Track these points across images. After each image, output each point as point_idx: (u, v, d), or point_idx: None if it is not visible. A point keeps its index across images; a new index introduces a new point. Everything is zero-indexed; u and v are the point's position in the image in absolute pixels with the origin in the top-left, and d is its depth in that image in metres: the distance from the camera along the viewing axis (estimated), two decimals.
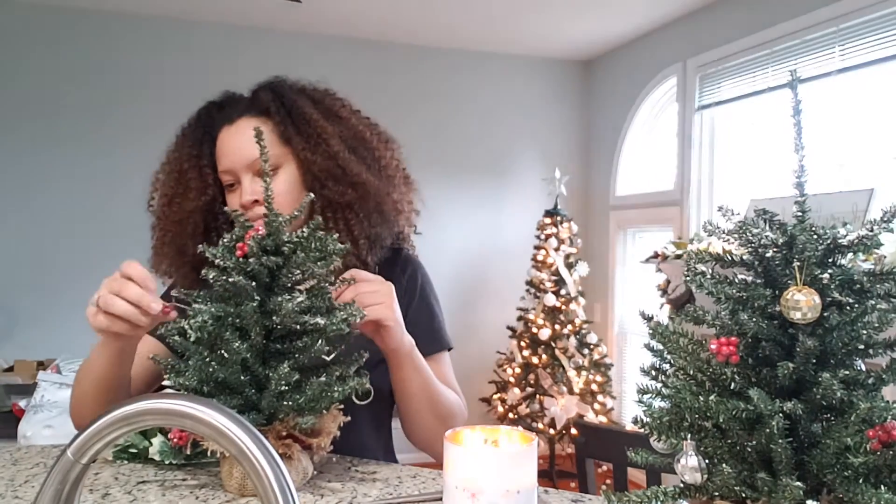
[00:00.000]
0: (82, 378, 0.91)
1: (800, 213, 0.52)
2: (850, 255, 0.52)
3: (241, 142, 0.99)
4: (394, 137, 1.15)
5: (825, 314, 0.50)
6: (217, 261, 0.76)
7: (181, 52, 3.58)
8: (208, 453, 0.79)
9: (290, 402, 0.74)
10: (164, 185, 1.06)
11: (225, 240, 0.78)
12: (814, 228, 0.52)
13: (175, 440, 0.75)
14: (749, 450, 0.51)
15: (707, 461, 0.52)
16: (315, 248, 0.77)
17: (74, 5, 3.37)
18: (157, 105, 3.54)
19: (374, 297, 0.84)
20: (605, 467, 2.87)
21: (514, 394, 3.44)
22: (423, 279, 1.11)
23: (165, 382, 0.76)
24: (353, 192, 0.99)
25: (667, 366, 0.57)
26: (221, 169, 1.01)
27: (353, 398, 0.79)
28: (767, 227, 0.53)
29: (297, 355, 0.76)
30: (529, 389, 3.42)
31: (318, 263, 0.78)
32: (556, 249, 3.47)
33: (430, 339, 1.04)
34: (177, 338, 0.76)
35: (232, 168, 1.00)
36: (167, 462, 0.84)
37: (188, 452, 0.79)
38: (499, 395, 3.58)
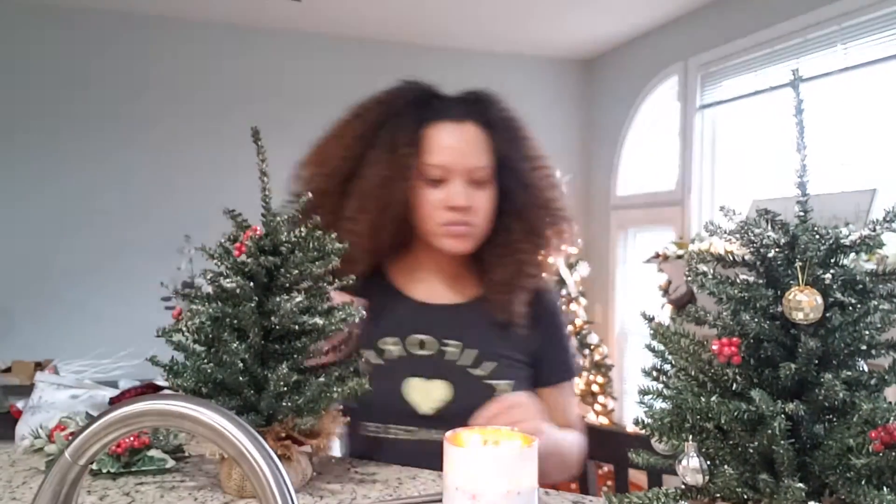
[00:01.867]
0: None
1: (802, 213, 0.52)
2: (852, 256, 0.52)
3: (466, 145, 0.99)
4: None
5: (827, 314, 0.50)
6: (215, 261, 0.76)
7: (180, 52, 3.57)
8: (145, 461, 0.81)
9: (289, 403, 0.74)
10: (376, 162, 1.00)
11: (222, 239, 0.77)
12: (816, 228, 0.51)
13: (113, 447, 0.74)
14: (751, 451, 0.51)
15: (709, 462, 0.51)
16: (312, 247, 0.77)
17: (73, 5, 3.37)
18: (157, 105, 3.54)
19: (524, 414, 0.86)
20: (605, 468, 2.87)
21: None
22: (557, 308, 1.12)
23: (162, 383, 0.76)
24: (549, 220, 1.04)
25: (668, 366, 0.57)
26: (432, 161, 0.98)
27: None
28: (769, 227, 0.52)
29: (295, 356, 0.76)
30: None
31: (316, 263, 0.77)
32: None
33: (562, 368, 1.07)
34: (175, 339, 0.76)
35: (448, 166, 0.98)
36: (104, 471, 0.81)
37: (126, 460, 0.79)
38: None
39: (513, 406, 0.87)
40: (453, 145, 0.99)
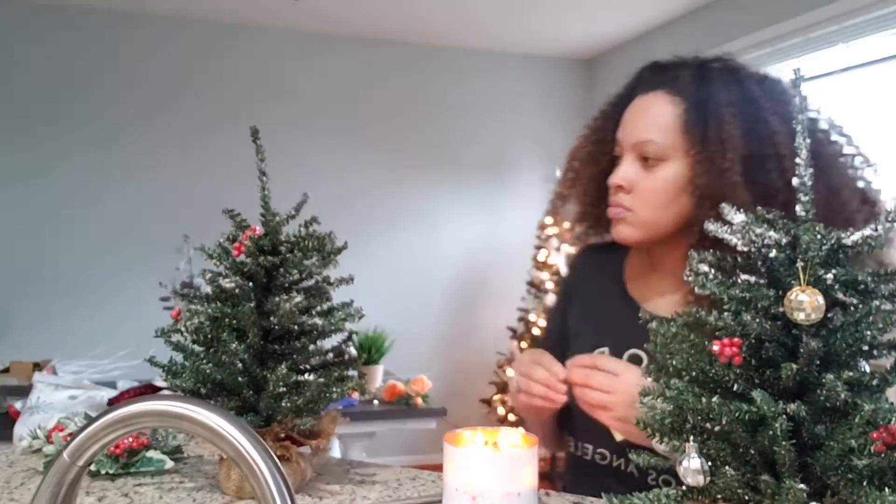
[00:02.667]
0: None
1: (803, 213, 0.52)
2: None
3: (641, 116, 0.86)
4: (853, 161, 0.89)
5: (829, 315, 0.49)
6: (214, 261, 0.76)
7: (180, 52, 3.57)
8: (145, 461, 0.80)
9: (289, 404, 0.74)
10: (580, 137, 0.98)
11: (221, 239, 0.77)
12: (818, 228, 0.51)
13: (111, 448, 0.74)
14: (752, 452, 0.51)
15: (709, 463, 0.51)
16: (312, 247, 0.77)
17: (73, 4, 3.37)
18: (156, 104, 3.54)
19: (604, 382, 0.77)
20: None
21: None
22: None
23: (161, 384, 0.76)
24: None
25: (669, 367, 0.56)
26: (617, 137, 0.90)
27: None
28: (770, 227, 0.52)
29: (295, 356, 0.75)
30: None
31: (316, 263, 0.77)
32: (558, 250, 3.46)
33: None
34: (173, 339, 0.76)
35: (622, 139, 0.88)
36: (103, 472, 0.80)
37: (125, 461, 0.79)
38: (499, 396, 3.57)
39: (605, 370, 0.77)
40: (630, 118, 0.88)
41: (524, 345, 3.47)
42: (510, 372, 3.32)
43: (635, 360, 0.88)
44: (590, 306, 0.99)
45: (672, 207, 0.85)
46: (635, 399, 0.68)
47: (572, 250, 3.49)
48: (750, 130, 0.82)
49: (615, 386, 0.77)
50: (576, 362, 0.82)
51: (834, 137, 0.89)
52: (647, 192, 0.85)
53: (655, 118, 0.85)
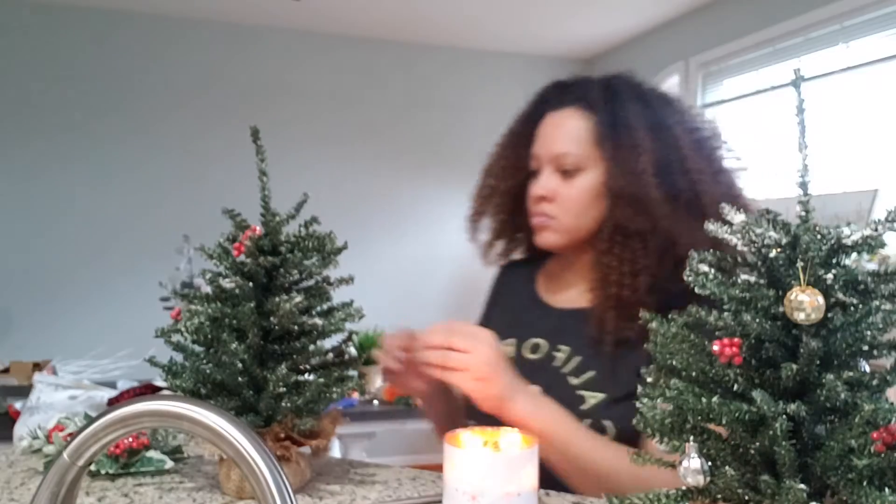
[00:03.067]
0: None
1: (803, 213, 0.52)
2: (854, 256, 0.51)
3: (556, 131, 0.94)
4: (738, 165, 0.98)
5: (829, 315, 0.49)
6: (214, 261, 0.76)
7: (180, 51, 3.57)
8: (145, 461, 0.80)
9: (289, 404, 0.74)
10: (493, 154, 1.05)
11: (221, 239, 0.77)
12: (818, 228, 0.51)
13: (111, 448, 0.74)
14: (752, 452, 0.51)
15: (709, 463, 0.51)
16: (312, 247, 0.77)
17: (73, 4, 3.37)
18: (156, 104, 3.54)
19: (464, 343, 0.78)
20: None
21: None
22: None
23: (161, 384, 0.76)
24: (643, 220, 0.88)
25: (668, 367, 0.56)
26: (532, 152, 0.96)
27: None
28: (771, 227, 0.52)
29: (295, 356, 0.75)
30: None
31: (316, 263, 0.77)
32: None
33: None
34: (173, 339, 0.76)
35: (538, 154, 0.95)
36: (103, 472, 0.80)
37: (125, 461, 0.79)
38: None
39: (462, 332, 0.78)
40: (545, 133, 0.95)
41: None
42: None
43: (535, 350, 0.97)
44: (505, 307, 1.08)
45: (590, 212, 0.93)
46: (493, 359, 0.78)
47: None
48: (656, 138, 0.90)
49: (475, 346, 0.78)
50: (433, 328, 0.81)
51: (718, 144, 0.97)
52: (568, 201, 0.92)
53: (570, 132, 0.93)
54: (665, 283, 0.87)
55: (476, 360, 0.77)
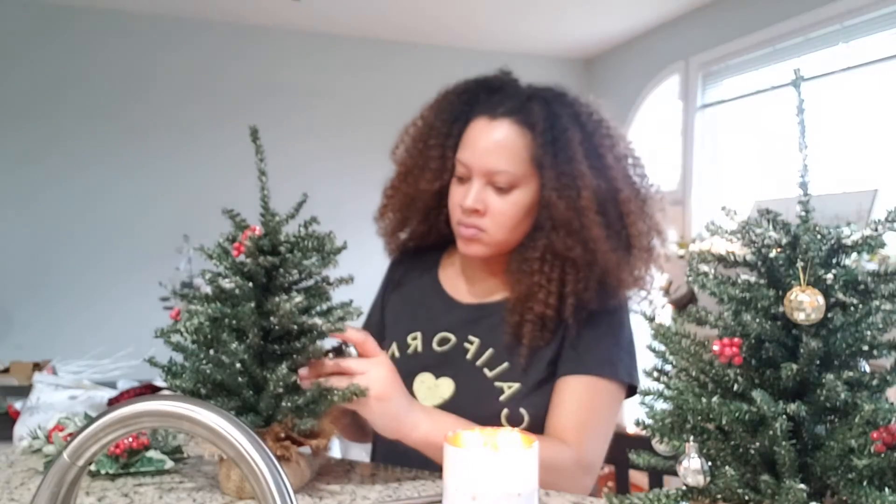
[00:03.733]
0: None
1: (803, 213, 0.52)
2: (854, 256, 0.51)
3: (491, 144, 0.90)
4: (658, 196, 0.97)
5: (829, 315, 0.49)
6: (214, 261, 0.76)
7: (180, 52, 3.57)
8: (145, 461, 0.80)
9: (289, 404, 0.73)
10: (406, 154, 1.01)
11: (221, 239, 0.77)
12: (817, 228, 0.51)
13: (111, 448, 0.74)
14: (752, 452, 0.51)
15: (710, 463, 0.51)
16: (312, 247, 0.77)
17: (73, 4, 3.37)
18: (155, 104, 3.54)
19: (359, 366, 0.77)
20: (606, 469, 2.87)
21: None
22: (619, 314, 0.96)
23: (161, 384, 0.76)
24: (580, 251, 0.89)
25: (669, 367, 0.56)
26: (460, 157, 0.93)
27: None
28: (771, 227, 0.52)
29: (295, 356, 0.75)
30: None
31: (315, 263, 0.77)
32: None
33: (588, 361, 0.90)
34: (173, 339, 0.76)
35: (470, 164, 0.91)
36: (103, 472, 0.80)
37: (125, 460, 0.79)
38: None
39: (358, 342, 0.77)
40: (481, 144, 0.91)
41: None
42: None
43: (444, 342, 0.97)
44: (406, 298, 1.07)
45: (520, 227, 0.93)
46: (389, 377, 0.77)
47: None
48: (593, 168, 0.90)
49: (369, 367, 0.77)
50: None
51: (642, 171, 0.97)
52: (501, 216, 0.91)
53: (507, 149, 0.90)
54: (586, 303, 0.91)
55: (372, 380, 0.76)
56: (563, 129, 0.90)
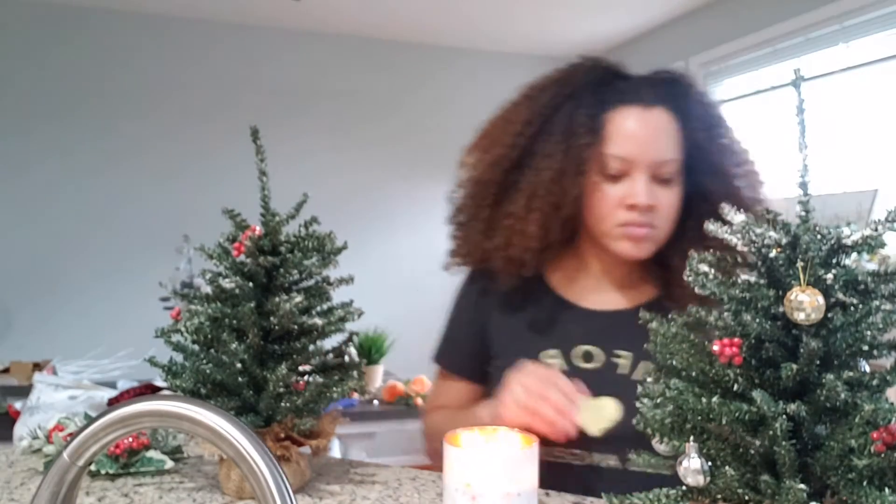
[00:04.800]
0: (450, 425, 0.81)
1: (803, 213, 0.52)
2: (854, 256, 0.51)
3: (655, 135, 0.85)
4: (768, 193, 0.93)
5: (829, 315, 0.49)
6: (214, 261, 0.76)
7: (180, 51, 3.57)
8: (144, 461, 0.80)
9: (288, 404, 0.74)
10: (547, 155, 0.88)
11: (220, 240, 0.77)
12: (817, 228, 0.51)
13: (111, 448, 0.74)
14: (752, 452, 0.51)
15: (710, 463, 0.51)
16: (312, 247, 0.77)
17: (74, 5, 3.37)
18: (156, 104, 3.54)
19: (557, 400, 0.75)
20: None
21: None
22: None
23: (161, 384, 0.76)
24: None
25: (668, 367, 0.56)
26: (613, 152, 0.85)
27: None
28: (771, 227, 0.52)
29: (295, 356, 0.75)
30: None
31: (316, 263, 0.77)
32: None
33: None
34: (173, 339, 0.76)
35: (633, 157, 0.85)
36: (103, 472, 0.81)
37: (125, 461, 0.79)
38: None
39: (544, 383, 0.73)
40: (639, 134, 0.85)
41: None
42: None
43: (589, 358, 0.89)
44: (516, 311, 0.94)
45: (676, 220, 0.88)
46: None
47: None
48: (727, 149, 0.89)
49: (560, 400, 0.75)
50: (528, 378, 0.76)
51: (739, 146, 0.93)
52: (669, 209, 0.87)
53: (671, 136, 0.86)
54: None
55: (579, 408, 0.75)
56: (704, 111, 0.88)
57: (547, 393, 0.75)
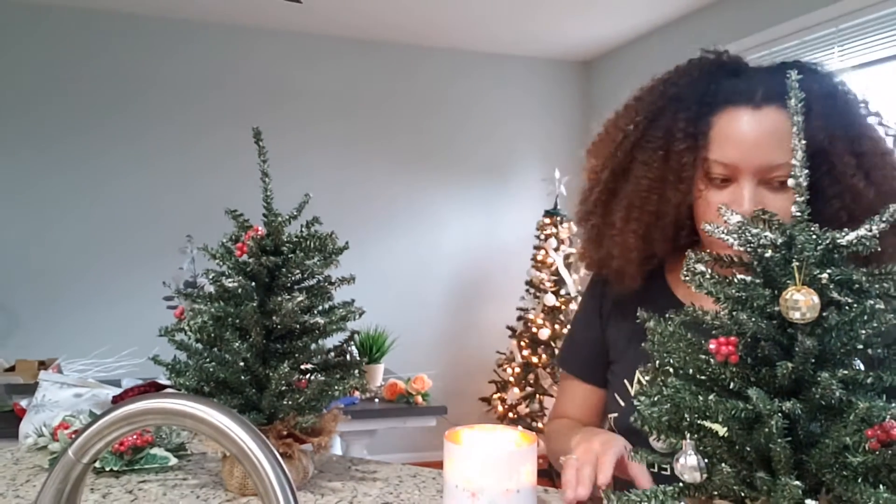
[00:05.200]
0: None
1: (798, 213, 0.52)
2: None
3: (763, 137, 0.77)
4: None
5: (824, 314, 0.50)
6: (217, 261, 0.77)
7: (181, 52, 3.58)
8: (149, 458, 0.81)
9: (291, 402, 0.74)
10: (645, 163, 0.84)
11: (224, 239, 0.78)
12: (813, 228, 0.52)
13: (116, 445, 0.75)
14: (748, 449, 0.51)
15: (706, 460, 0.52)
16: (314, 247, 0.78)
17: (75, 5, 3.37)
18: (158, 105, 3.54)
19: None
20: None
21: (514, 393, 3.44)
22: None
23: (165, 382, 0.76)
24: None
25: (666, 365, 0.57)
26: (715, 157, 0.80)
27: None
28: (766, 228, 0.53)
29: (297, 355, 0.76)
30: (529, 389, 3.42)
31: (318, 263, 0.78)
32: (556, 249, 3.47)
33: None
34: (177, 338, 0.76)
35: (739, 162, 0.78)
36: (107, 469, 0.81)
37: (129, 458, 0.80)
38: (499, 394, 3.58)
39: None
40: (744, 139, 0.78)
41: (523, 344, 3.47)
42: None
43: None
44: (633, 314, 0.90)
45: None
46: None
47: (572, 250, 3.50)
48: (856, 148, 0.78)
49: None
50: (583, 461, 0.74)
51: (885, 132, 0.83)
52: (781, 215, 0.81)
53: (778, 139, 0.77)
54: None
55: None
56: (828, 109, 0.79)
57: (582, 466, 0.73)
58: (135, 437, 0.83)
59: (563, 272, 3.45)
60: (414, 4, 3.30)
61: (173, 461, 0.85)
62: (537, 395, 3.39)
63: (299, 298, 0.74)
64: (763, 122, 0.78)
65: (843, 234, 0.51)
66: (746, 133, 0.79)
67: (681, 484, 0.53)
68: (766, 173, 0.78)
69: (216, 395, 0.75)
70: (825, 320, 0.50)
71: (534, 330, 3.43)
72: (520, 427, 0.70)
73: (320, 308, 0.79)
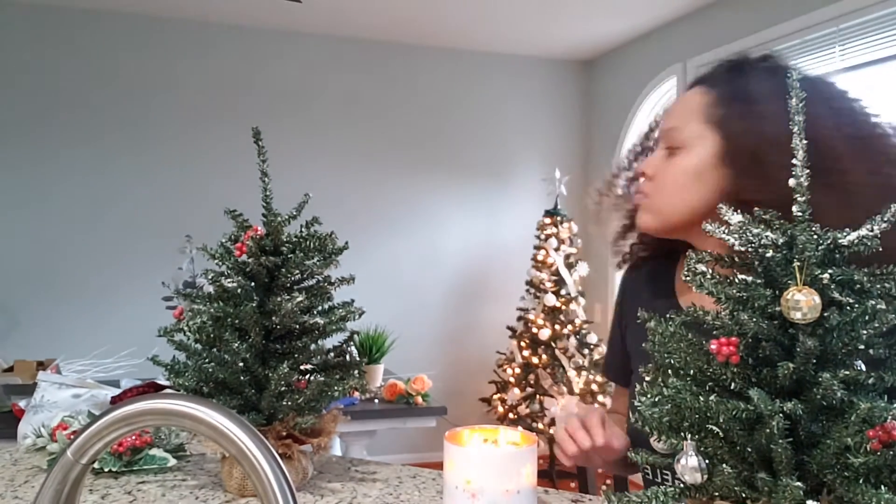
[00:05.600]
0: None
1: (800, 213, 0.52)
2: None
3: (672, 107, 0.88)
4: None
5: (825, 314, 0.50)
6: (216, 261, 0.76)
7: (182, 52, 3.58)
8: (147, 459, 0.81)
9: (290, 402, 0.74)
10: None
11: (223, 240, 0.78)
12: (814, 228, 0.52)
13: (115, 446, 0.75)
14: (749, 450, 0.51)
15: (707, 461, 0.52)
16: (313, 247, 0.77)
17: (76, 7, 3.37)
18: (157, 105, 3.54)
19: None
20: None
21: (514, 394, 3.44)
22: None
23: (164, 382, 0.76)
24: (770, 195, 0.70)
25: (666, 366, 0.57)
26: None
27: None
28: (767, 227, 0.53)
29: (296, 355, 0.76)
30: (529, 389, 3.42)
31: (317, 263, 0.78)
32: (557, 249, 3.47)
33: None
34: (176, 338, 0.76)
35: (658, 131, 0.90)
36: (106, 470, 0.82)
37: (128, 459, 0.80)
38: (499, 395, 3.58)
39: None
40: (667, 110, 0.89)
41: (524, 344, 3.47)
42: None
43: None
44: (642, 328, 0.91)
45: (683, 194, 0.83)
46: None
47: (572, 250, 3.50)
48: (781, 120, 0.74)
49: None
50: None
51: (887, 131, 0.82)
52: (663, 178, 0.85)
53: (685, 109, 0.85)
54: None
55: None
56: (743, 79, 0.82)
57: (568, 424, 0.80)
58: (134, 437, 0.83)
59: (564, 272, 3.45)
60: (414, 4, 3.30)
61: (172, 462, 0.85)
62: (537, 396, 3.39)
63: (299, 299, 0.74)
64: (682, 97, 0.87)
65: (845, 234, 0.51)
66: (670, 106, 0.90)
67: (682, 485, 0.53)
68: (666, 136, 0.86)
69: (215, 395, 0.75)
70: (826, 320, 0.50)
71: (534, 330, 3.43)
72: (520, 428, 0.70)
73: (320, 308, 0.78)
